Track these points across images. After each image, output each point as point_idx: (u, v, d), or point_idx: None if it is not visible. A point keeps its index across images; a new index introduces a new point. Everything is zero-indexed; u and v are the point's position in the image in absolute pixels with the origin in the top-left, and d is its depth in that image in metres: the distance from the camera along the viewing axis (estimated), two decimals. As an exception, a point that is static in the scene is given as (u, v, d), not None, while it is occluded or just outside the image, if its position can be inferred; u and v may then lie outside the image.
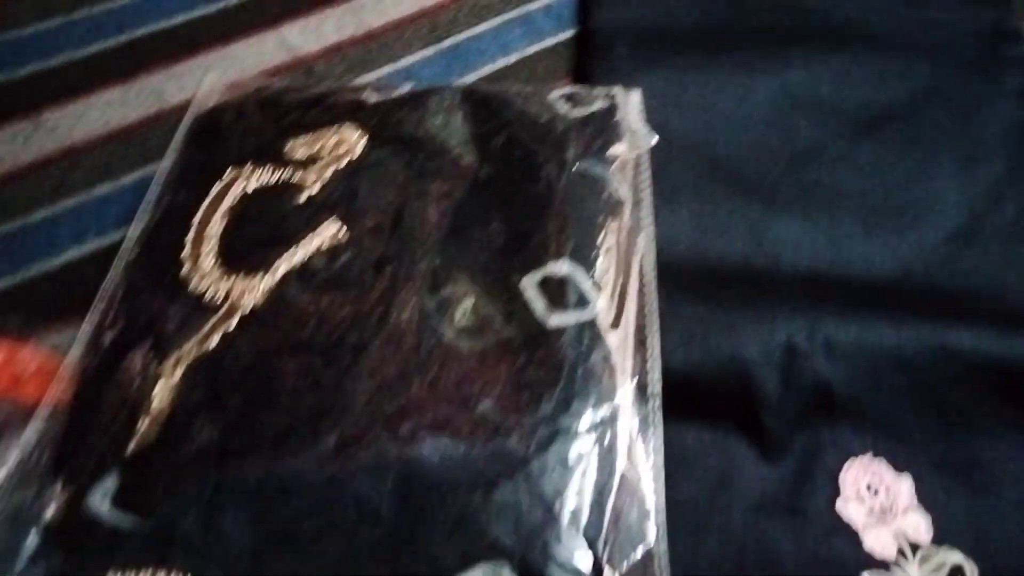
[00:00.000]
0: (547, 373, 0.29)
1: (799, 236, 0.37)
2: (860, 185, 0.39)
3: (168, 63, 0.41)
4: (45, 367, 0.30)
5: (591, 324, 0.30)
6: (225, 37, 0.42)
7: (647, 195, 0.36)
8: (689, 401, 0.31)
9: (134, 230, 0.33)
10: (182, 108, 0.38)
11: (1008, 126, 0.41)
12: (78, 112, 0.38)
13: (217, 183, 0.35)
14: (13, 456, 0.26)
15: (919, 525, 0.29)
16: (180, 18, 0.43)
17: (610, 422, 0.28)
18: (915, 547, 0.29)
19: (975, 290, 0.35)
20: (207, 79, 0.39)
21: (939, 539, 0.29)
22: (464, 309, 0.31)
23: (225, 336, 0.30)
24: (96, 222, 0.35)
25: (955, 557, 0.28)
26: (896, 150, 0.40)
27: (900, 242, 0.37)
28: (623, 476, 0.28)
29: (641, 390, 0.30)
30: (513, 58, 0.44)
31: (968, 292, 0.35)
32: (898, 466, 0.30)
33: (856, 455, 0.30)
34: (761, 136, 0.40)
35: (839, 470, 0.30)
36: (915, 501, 0.30)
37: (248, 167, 0.35)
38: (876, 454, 0.31)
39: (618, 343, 0.30)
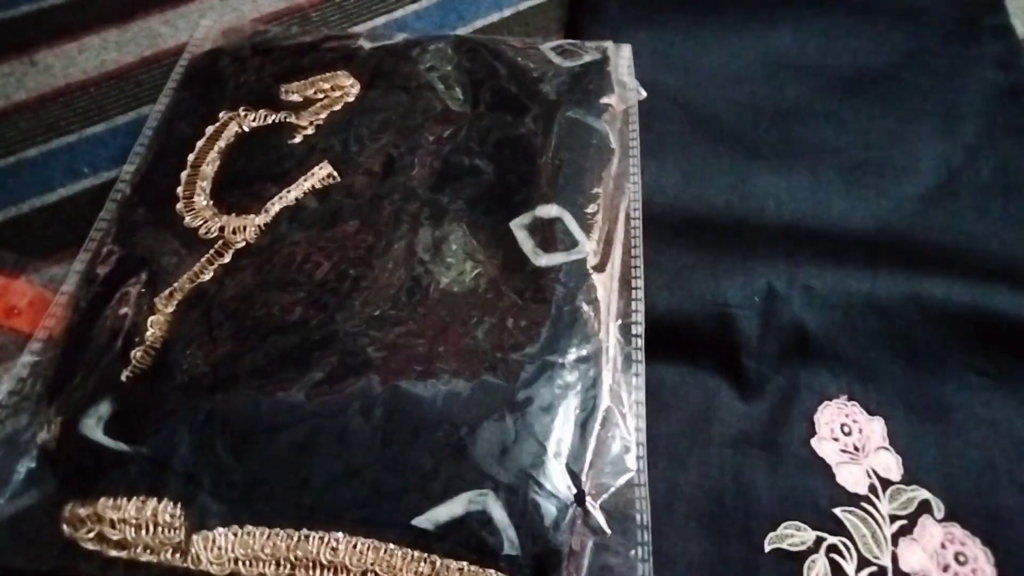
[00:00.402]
0: (535, 311, 0.30)
1: (781, 189, 0.37)
2: (842, 142, 0.40)
3: (164, 6, 0.41)
4: (38, 299, 0.30)
5: (579, 265, 0.31)
6: (219, -18, 0.42)
7: (635, 146, 0.37)
8: (671, 342, 0.32)
9: (128, 168, 0.33)
10: (177, 51, 0.38)
11: (986, 91, 0.42)
12: (72, 53, 0.38)
13: (212, 124, 0.35)
14: (5, 383, 0.27)
15: (890, 464, 0.30)
16: (174, -38, 0.43)
17: (595, 359, 0.29)
18: (886, 484, 0.30)
19: (949, 244, 0.36)
20: (203, 24, 0.39)
21: (908, 478, 0.30)
22: (454, 250, 0.32)
23: (218, 271, 0.31)
24: (90, 160, 0.35)
25: (923, 495, 0.30)
26: (878, 110, 0.41)
27: (879, 197, 0.38)
28: (607, 411, 0.28)
29: (625, 330, 0.31)
30: (507, 12, 0.44)
31: (942, 246, 0.36)
32: (871, 409, 0.31)
33: (831, 397, 0.32)
34: (747, 93, 0.41)
35: (814, 411, 0.31)
36: (886, 442, 0.31)
37: (243, 109, 0.36)
38: (850, 397, 0.32)
39: (604, 285, 0.31)
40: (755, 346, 0.32)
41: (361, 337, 0.29)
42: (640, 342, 0.30)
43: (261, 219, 0.32)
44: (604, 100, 0.37)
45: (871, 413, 0.32)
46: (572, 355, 0.29)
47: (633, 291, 0.32)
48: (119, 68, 0.38)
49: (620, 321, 0.31)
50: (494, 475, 0.26)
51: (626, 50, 0.40)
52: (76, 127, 0.36)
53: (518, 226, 0.32)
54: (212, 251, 0.31)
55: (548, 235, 0.32)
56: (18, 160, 0.34)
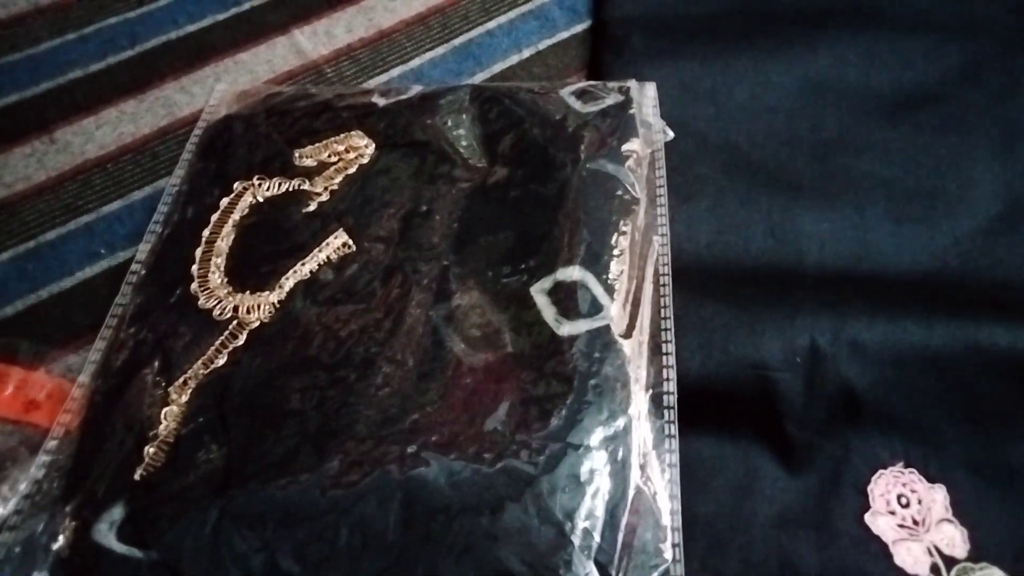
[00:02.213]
0: (557, 386, 0.28)
1: (824, 230, 0.35)
2: (890, 173, 0.37)
3: (179, 73, 0.41)
4: (57, 391, 0.30)
5: (604, 332, 0.29)
6: (236, 44, 0.42)
7: (662, 192, 0.35)
8: (707, 410, 0.30)
9: (144, 247, 0.33)
10: (193, 119, 0.38)
11: (1051, 106, 0.39)
12: (90, 128, 0.38)
13: (227, 196, 0.35)
14: (23, 485, 0.27)
15: (954, 539, 0.28)
16: (191, 27, 0.43)
17: (623, 435, 0.27)
18: (950, 562, 0.27)
19: (1013, 283, 0.33)
20: (217, 89, 0.39)
21: (976, 554, 0.27)
22: (473, 319, 0.30)
23: (232, 354, 0.30)
24: (107, 240, 0.35)
25: (995, 573, 0.27)
26: (928, 135, 0.38)
27: (932, 233, 0.35)
28: (637, 492, 0.27)
29: (656, 400, 0.29)
30: (526, 54, 0.43)
31: (1005, 285, 0.33)
32: (931, 476, 0.29)
33: (886, 465, 0.29)
34: (783, 125, 0.39)
35: (867, 481, 0.29)
36: (949, 513, 0.28)
37: (257, 178, 0.35)
38: (907, 463, 0.29)
39: (632, 351, 0.29)
40: (799, 411, 0.29)
41: (376, 423, 0.27)
42: (673, 414, 0.28)
43: (275, 296, 0.31)
44: (628, 146, 0.35)
45: (931, 480, 0.29)
46: (598, 434, 0.27)
47: (664, 357, 0.30)
48: (135, 140, 0.38)
49: (650, 391, 0.29)
50: (517, 570, 0.25)
51: (650, 89, 0.38)
52: (94, 206, 0.36)
53: (539, 291, 0.31)
54: (227, 333, 0.31)
55: (570, 300, 0.30)
56: (37, 244, 0.35)
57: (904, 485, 0.29)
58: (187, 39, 0.42)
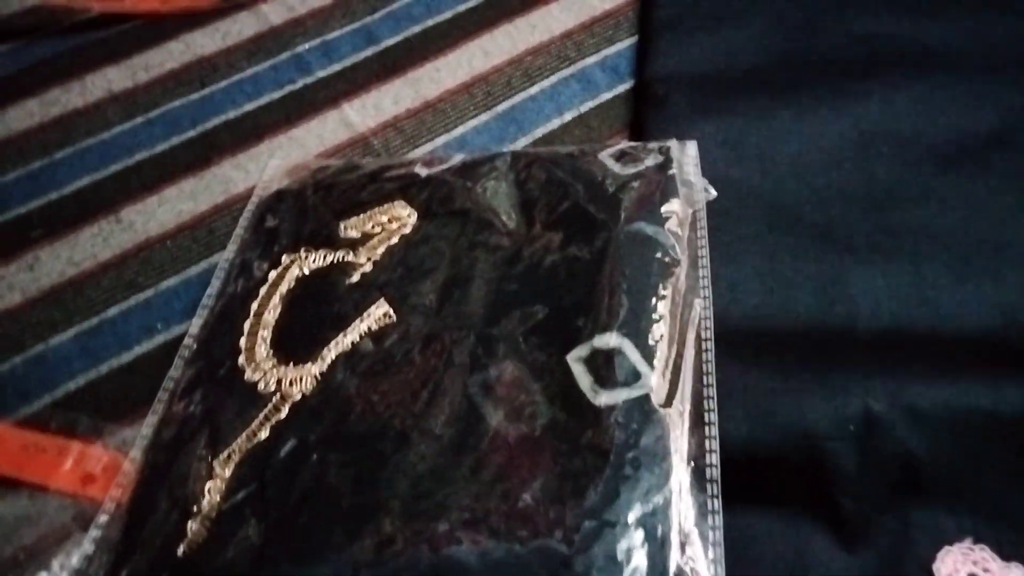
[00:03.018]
0: (594, 459, 0.27)
1: (879, 288, 0.33)
2: (949, 225, 0.35)
3: (236, 151, 0.43)
4: (113, 464, 0.31)
5: (643, 401, 0.29)
6: (290, 120, 0.44)
7: (705, 254, 0.34)
8: (754, 483, 0.28)
9: (197, 321, 0.34)
10: (248, 195, 0.40)
11: (1125, 147, 0.36)
12: (153, 206, 0.40)
13: (275, 269, 0.36)
14: (75, 559, 0.27)
15: (1034, 623, 0.26)
16: (249, 106, 0.45)
17: (663, 512, 0.26)
18: (1029, 650, 0.25)
19: (1089, 340, 0.31)
20: (269, 165, 0.41)
21: (1059, 639, 0.25)
22: (510, 390, 0.30)
23: (275, 427, 0.31)
24: (164, 314, 0.36)
25: (1080, 662, 0.25)
26: (989, 183, 0.37)
27: (997, 287, 0.33)
28: (678, 572, 0.26)
29: (698, 474, 0.28)
30: (568, 117, 0.43)
31: (1082, 343, 0.31)
32: (1005, 554, 0.27)
33: (953, 541, 0.27)
34: (833, 179, 0.37)
35: (933, 559, 0.27)
36: (1028, 594, 0.26)
37: (304, 251, 0.36)
38: (977, 539, 0.27)
39: (673, 421, 0.28)
40: (854, 483, 0.28)
41: (410, 499, 0.27)
42: (716, 488, 0.27)
43: (317, 368, 0.32)
44: (668, 207, 0.34)
45: (1006, 559, 0.27)
46: (636, 511, 0.26)
47: (707, 427, 0.29)
48: (194, 218, 0.40)
49: (692, 464, 0.28)
50: (552, 655, 0.24)
51: (691, 147, 0.37)
52: (153, 282, 0.37)
53: (575, 360, 0.30)
54: (270, 406, 0.31)
55: (607, 369, 0.29)
56: (100, 320, 0.36)
57: (975, 563, 0.27)
58: (244, 118, 0.44)
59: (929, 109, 0.40)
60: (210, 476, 0.30)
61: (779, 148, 0.39)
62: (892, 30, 0.43)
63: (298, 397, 0.31)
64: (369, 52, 0.47)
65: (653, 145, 0.38)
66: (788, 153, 0.39)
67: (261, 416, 0.31)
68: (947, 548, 0.27)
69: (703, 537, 0.26)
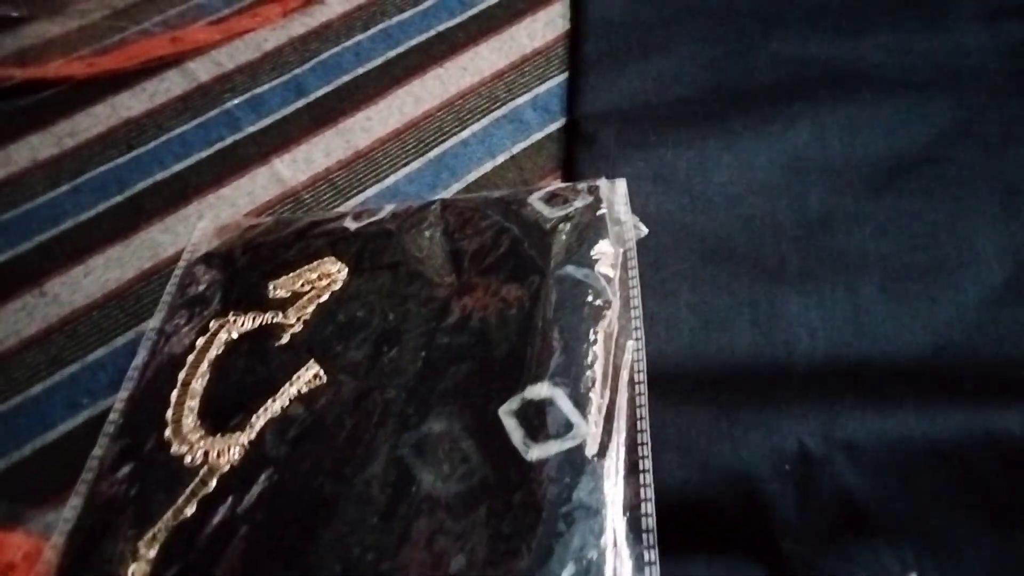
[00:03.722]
0: (526, 517, 0.27)
1: (813, 317, 0.33)
2: (883, 248, 0.35)
3: (164, 214, 0.42)
4: (33, 552, 0.30)
5: (576, 453, 0.28)
6: (219, 179, 0.43)
7: (636, 293, 0.33)
8: (692, 530, 0.28)
9: (121, 394, 0.33)
10: (176, 259, 0.39)
11: (1051, 158, 0.37)
12: (78, 277, 0.39)
13: (202, 336, 0.35)
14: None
15: (982, 661, 0.25)
16: (177, 167, 0.44)
17: (598, 567, 0.26)
18: None
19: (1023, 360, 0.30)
20: (199, 227, 0.40)
21: (1009, 677, 0.24)
22: (442, 448, 0.29)
23: (202, 502, 0.29)
24: (90, 388, 0.35)
25: None
26: (921, 202, 0.37)
27: (932, 309, 0.33)
28: (616, 631, 0.25)
29: (634, 524, 0.27)
30: (500, 159, 0.43)
31: (1016, 362, 0.30)
32: (949, 587, 0.26)
33: (896, 579, 0.26)
34: (764, 208, 0.37)
35: (876, 598, 0.26)
36: (975, 630, 0.25)
37: (232, 315, 0.35)
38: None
39: (607, 471, 0.28)
40: (794, 526, 0.27)
41: (339, 572, 0.26)
42: (653, 538, 0.27)
43: (246, 436, 0.31)
44: (597, 248, 0.34)
45: (951, 594, 0.26)
46: (570, 569, 0.25)
47: (641, 475, 0.28)
48: (120, 286, 0.39)
49: (628, 514, 0.27)
50: None
51: (621, 185, 0.37)
52: (79, 355, 0.36)
53: (506, 413, 0.29)
54: (197, 480, 0.30)
55: (538, 421, 0.29)
56: (23, 399, 0.35)
57: (919, 601, 0.26)
58: (172, 179, 0.43)
59: (858, 130, 0.40)
60: (134, 558, 0.28)
61: (709, 178, 0.39)
62: (818, 52, 0.44)
63: (226, 469, 0.30)
64: (299, 104, 0.46)
65: (582, 185, 0.37)
66: (718, 183, 0.38)
67: (188, 491, 0.30)
68: (891, 586, 0.26)
69: (640, 592, 0.26)
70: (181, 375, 0.34)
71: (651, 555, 0.26)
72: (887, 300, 0.33)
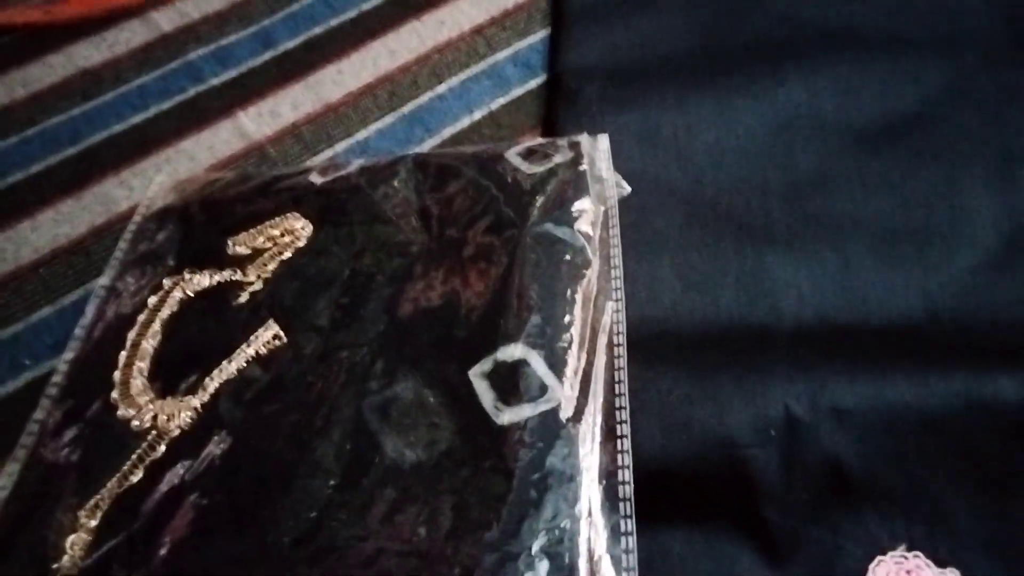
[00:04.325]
0: (496, 485, 0.25)
1: (802, 280, 0.32)
2: (874, 210, 0.34)
3: (120, 168, 0.39)
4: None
5: (550, 417, 0.26)
6: (179, 132, 0.41)
7: (617, 254, 0.32)
8: (671, 499, 0.26)
9: (67, 355, 0.31)
10: (130, 214, 0.36)
11: (1048, 120, 0.35)
12: (26, 232, 0.37)
13: (155, 295, 0.33)
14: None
15: (973, 633, 0.24)
16: (136, 119, 0.42)
17: (571, 537, 0.24)
18: (968, 663, 0.23)
19: (1017, 324, 0.29)
20: (155, 181, 0.37)
21: (1000, 649, 0.23)
22: (406, 413, 0.27)
23: (149, 469, 0.28)
24: (33, 349, 0.33)
25: (1023, 672, 0.23)
26: (915, 165, 0.35)
27: (924, 274, 0.31)
28: (589, 605, 0.23)
29: (610, 492, 0.25)
30: (478, 115, 0.41)
31: (1009, 327, 0.29)
32: (940, 559, 0.25)
33: (885, 549, 0.25)
34: (752, 168, 0.36)
35: (865, 570, 0.25)
36: (965, 602, 0.24)
37: (187, 273, 0.33)
38: (911, 546, 0.25)
39: (583, 437, 0.26)
40: (779, 493, 0.26)
41: (295, 543, 0.25)
42: (630, 507, 0.25)
43: (198, 399, 0.29)
44: (578, 205, 0.32)
45: (941, 564, 0.25)
46: (541, 539, 0.24)
47: (619, 440, 0.26)
48: (70, 242, 0.37)
49: (604, 482, 0.26)
50: None
51: (603, 141, 0.35)
52: (23, 314, 0.34)
53: (477, 375, 0.28)
54: (145, 445, 0.28)
55: (511, 383, 0.27)
56: (-37, 362, 0.33)
57: (909, 572, 0.25)
58: (130, 132, 0.41)
59: (851, 90, 0.38)
60: (74, 528, 0.26)
61: (696, 138, 0.37)
62: (811, 11, 0.42)
63: (176, 433, 0.28)
64: (267, 56, 0.44)
65: (563, 141, 0.35)
66: (706, 142, 0.37)
67: (135, 457, 0.28)
68: (879, 558, 0.25)
69: (615, 562, 0.24)
70: (131, 335, 0.32)
71: (628, 525, 0.25)
72: (878, 263, 0.32)
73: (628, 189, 0.34)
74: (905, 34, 0.41)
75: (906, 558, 0.25)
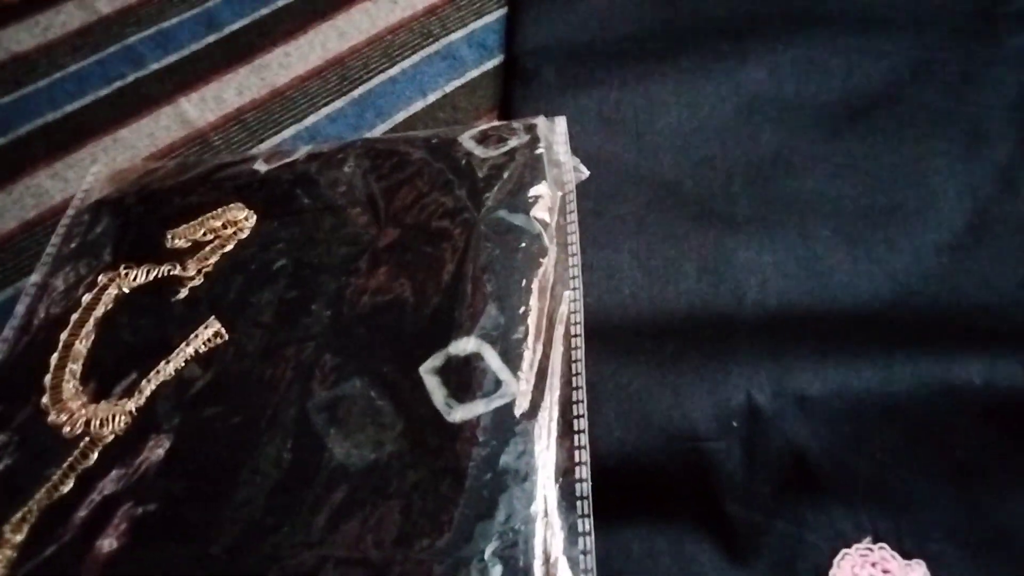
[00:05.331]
0: (447, 487, 0.24)
1: (766, 264, 0.31)
2: (838, 191, 0.33)
3: (53, 159, 0.37)
4: None
5: (504, 413, 0.25)
6: (117, 120, 0.39)
7: (575, 240, 0.30)
8: (631, 496, 0.25)
9: (-6, 358, 0.29)
10: (64, 208, 0.34)
11: (1012, 96, 0.34)
12: (-49, 231, 0.35)
13: (89, 292, 0.31)
14: None
15: (940, 626, 0.23)
16: (71, 107, 0.39)
17: (526, 540, 0.23)
18: (936, 657, 0.22)
19: (985, 304, 0.28)
20: (91, 172, 0.35)
21: (968, 642, 0.23)
22: (356, 412, 0.26)
23: (80, 478, 0.26)
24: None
25: (991, 665, 0.22)
26: (880, 144, 0.34)
27: (890, 255, 0.31)
28: (546, 610, 0.22)
29: (567, 490, 0.24)
30: (432, 98, 0.39)
31: (977, 308, 0.28)
32: (906, 551, 0.24)
33: (849, 542, 0.24)
34: (714, 150, 0.35)
35: (829, 564, 0.24)
36: (933, 594, 0.23)
37: (124, 268, 0.31)
38: (876, 538, 0.24)
39: (539, 433, 0.25)
40: (741, 486, 0.25)
41: (233, 555, 0.23)
42: (587, 505, 0.24)
43: (134, 403, 0.28)
44: (534, 191, 0.31)
45: (907, 556, 0.24)
46: (494, 543, 0.23)
47: (576, 436, 0.25)
48: (0, 238, 0.34)
49: (560, 480, 0.24)
50: None
51: (560, 123, 0.34)
52: (-55, 317, 0.32)
53: (428, 371, 0.26)
54: (76, 452, 0.27)
55: (463, 379, 0.26)
56: None
57: (874, 565, 0.24)
58: (64, 121, 0.39)
59: (813, 70, 0.37)
60: (-1, 545, 0.25)
61: (656, 119, 0.36)
62: (772, -12, 0.41)
63: (110, 440, 0.27)
64: (210, 39, 0.42)
65: (518, 123, 0.34)
66: (666, 124, 0.35)
67: (65, 466, 0.26)
68: (844, 552, 0.24)
69: (573, 564, 0.23)
70: (63, 335, 0.30)
71: (585, 524, 0.24)
72: (843, 245, 0.31)
73: (586, 173, 0.33)
74: (869, 12, 0.40)
75: (871, 550, 0.24)
